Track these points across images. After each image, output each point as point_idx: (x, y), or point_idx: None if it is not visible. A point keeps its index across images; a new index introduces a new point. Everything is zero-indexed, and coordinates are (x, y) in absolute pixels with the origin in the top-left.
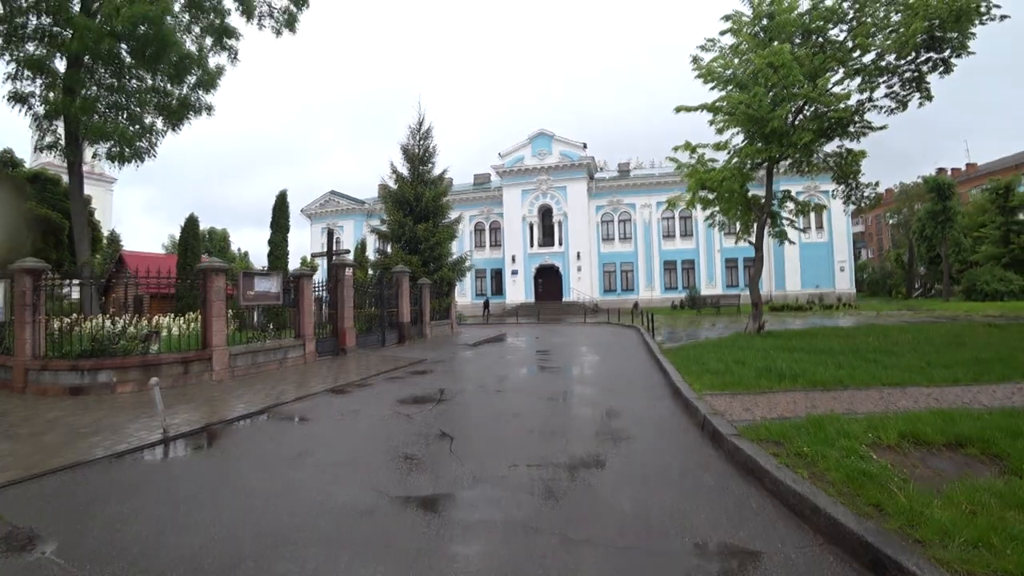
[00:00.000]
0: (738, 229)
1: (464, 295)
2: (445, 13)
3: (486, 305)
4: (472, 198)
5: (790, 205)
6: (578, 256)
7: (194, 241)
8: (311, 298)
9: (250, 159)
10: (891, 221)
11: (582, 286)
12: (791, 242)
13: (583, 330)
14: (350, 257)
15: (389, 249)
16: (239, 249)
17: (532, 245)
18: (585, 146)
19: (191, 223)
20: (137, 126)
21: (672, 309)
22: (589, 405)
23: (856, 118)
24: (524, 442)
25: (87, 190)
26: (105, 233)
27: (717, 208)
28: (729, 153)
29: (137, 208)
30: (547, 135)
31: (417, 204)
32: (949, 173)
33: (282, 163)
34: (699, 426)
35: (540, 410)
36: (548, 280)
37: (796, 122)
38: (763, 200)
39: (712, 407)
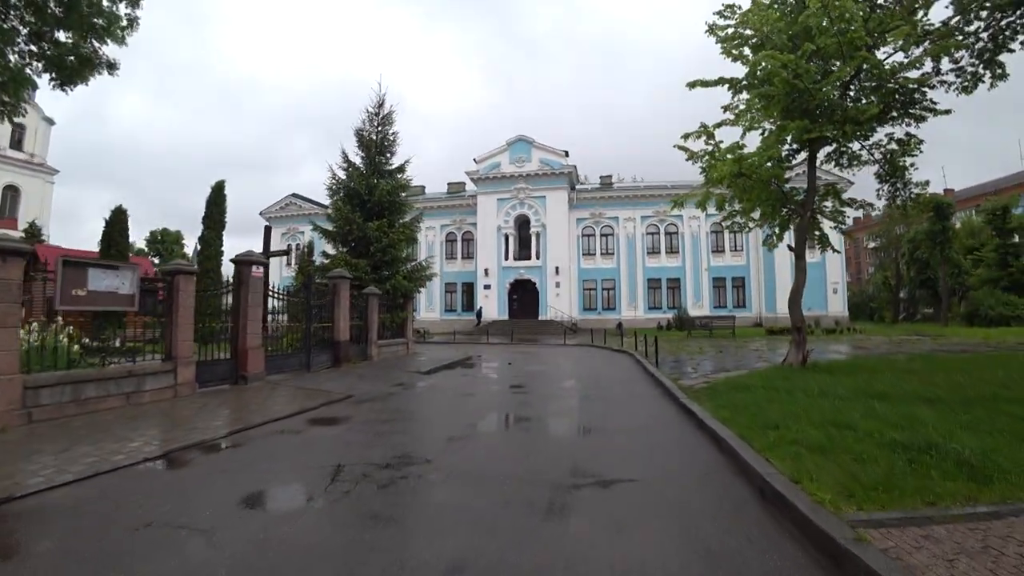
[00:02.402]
0: (766, 233)
1: (433, 310)
2: (428, 24)
3: (479, 315)
4: (444, 206)
5: (830, 203)
6: (557, 271)
7: (120, 237)
8: (191, 305)
9: (222, 166)
10: (871, 245)
11: (560, 303)
12: (835, 250)
13: (565, 354)
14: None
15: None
16: (189, 253)
17: (507, 258)
18: (567, 154)
19: (117, 216)
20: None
21: (658, 330)
22: (608, 532)
23: (920, 94)
24: None
25: (22, 180)
26: (23, 224)
27: (738, 207)
28: (764, 134)
29: (100, 209)
30: (526, 141)
31: (369, 197)
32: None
33: (255, 171)
34: None
35: (514, 547)
36: (524, 296)
37: (845, 96)
38: (802, 195)
39: None
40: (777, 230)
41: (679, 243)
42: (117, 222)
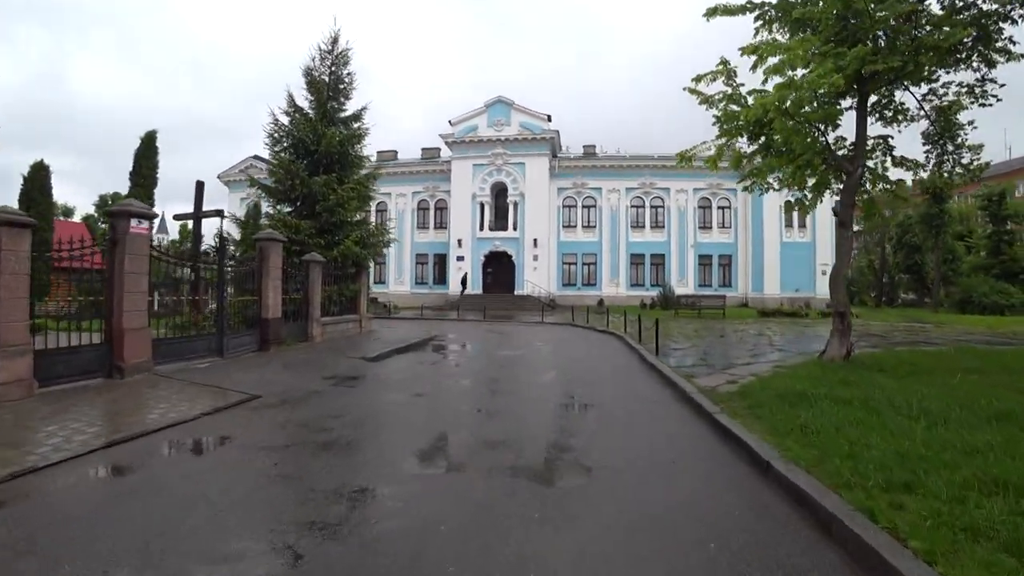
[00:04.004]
0: (804, 196)
1: (402, 283)
2: None
3: (463, 282)
4: (417, 172)
5: (880, 160)
6: (535, 243)
7: (41, 195)
8: (25, 272)
9: (191, 133)
10: (855, 228)
11: (538, 278)
12: (883, 218)
13: (545, 335)
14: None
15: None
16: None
17: (482, 228)
18: (549, 118)
19: (36, 173)
20: None
21: (641, 308)
22: None
23: (997, 30)
24: None
25: None
26: None
27: (759, 162)
28: (809, 62)
29: (56, 176)
30: (506, 103)
31: (316, 147)
32: (909, 184)
33: (225, 139)
34: None
35: None
36: (499, 269)
37: (909, 22)
38: (849, 149)
39: None
40: (810, 193)
41: (665, 217)
42: (37, 179)
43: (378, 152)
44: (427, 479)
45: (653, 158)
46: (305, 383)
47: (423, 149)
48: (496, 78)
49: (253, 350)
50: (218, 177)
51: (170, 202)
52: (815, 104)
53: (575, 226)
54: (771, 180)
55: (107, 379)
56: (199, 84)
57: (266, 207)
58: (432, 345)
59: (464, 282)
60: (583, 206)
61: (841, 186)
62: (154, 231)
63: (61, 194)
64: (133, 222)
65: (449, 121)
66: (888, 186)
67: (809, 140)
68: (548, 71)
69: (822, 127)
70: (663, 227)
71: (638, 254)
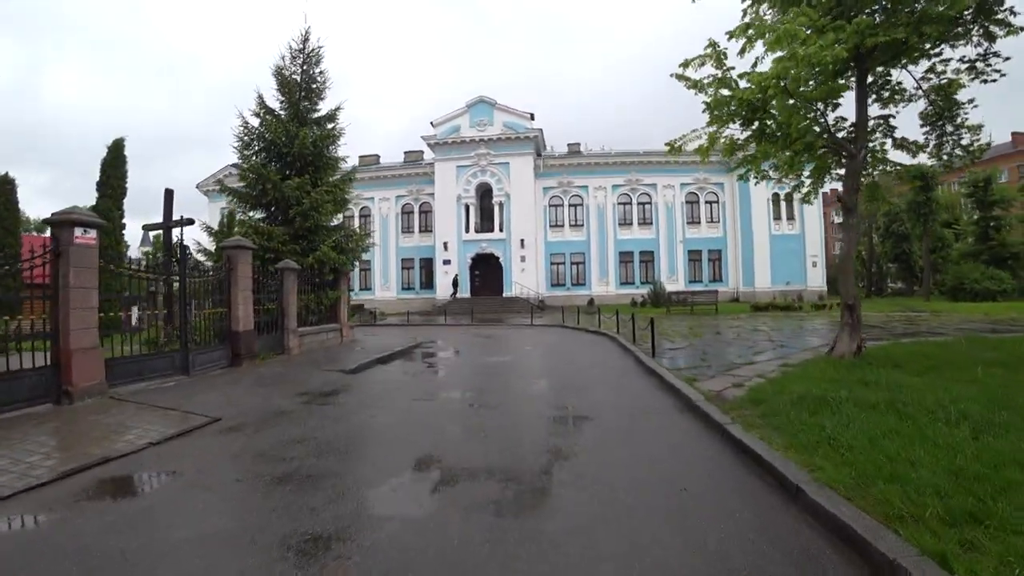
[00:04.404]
0: (800, 183)
1: (388, 289)
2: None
3: (455, 284)
4: (400, 175)
5: (880, 142)
6: (522, 244)
7: (6, 210)
8: None
9: (176, 146)
10: (836, 220)
11: (526, 279)
12: (891, 204)
13: (534, 338)
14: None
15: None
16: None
17: (468, 230)
18: (532, 117)
19: (3, 186)
20: None
21: (632, 306)
22: None
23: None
24: None
25: None
26: None
27: (753, 148)
28: (804, 40)
29: (34, 190)
30: (488, 102)
31: (288, 149)
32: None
33: (207, 149)
34: None
35: None
36: (486, 272)
37: None
38: (849, 131)
39: None
40: (809, 179)
41: (652, 213)
42: (3, 193)
43: (360, 157)
44: (397, 522)
45: (639, 154)
46: (274, 402)
47: (405, 152)
48: (490, 80)
49: (223, 366)
50: (196, 187)
51: (153, 215)
52: (812, 83)
53: (562, 225)
54: (766, 168)
55: (56, 405)
56: (183, 95)
57: (239, 214)
58: (417, 353)
59: (455, 284)
60: (570, 205)
61: (842, 171)
62: (137, 244)
63: (37, 209)
64: (77, 231)
65: (431, 123)
66: (893, 167)
67: (808, 120)
68: (547, 72)
69: (822, 107)
70: (651, 224)
71: (627, 251)
